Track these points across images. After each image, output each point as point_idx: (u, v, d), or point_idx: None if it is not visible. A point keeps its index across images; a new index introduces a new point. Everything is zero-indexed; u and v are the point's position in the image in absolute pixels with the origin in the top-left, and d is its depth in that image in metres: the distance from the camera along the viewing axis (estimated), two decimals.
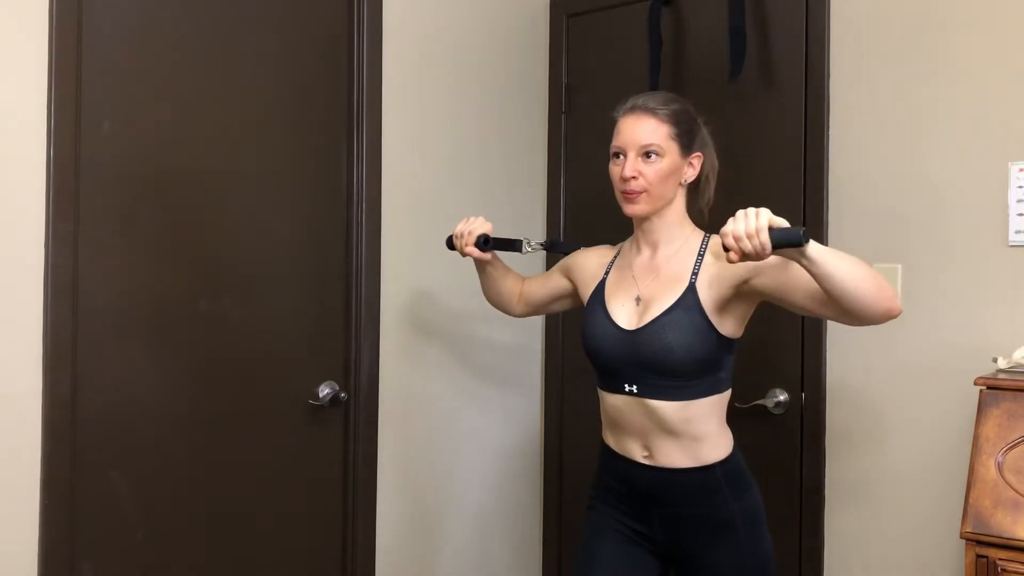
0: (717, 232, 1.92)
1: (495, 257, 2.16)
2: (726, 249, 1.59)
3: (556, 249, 2.34)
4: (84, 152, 1.92)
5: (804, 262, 1.59)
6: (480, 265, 2.17)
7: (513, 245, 2.18)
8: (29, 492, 1.85)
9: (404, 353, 2.59)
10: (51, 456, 1.86)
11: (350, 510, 2.46)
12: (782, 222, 1.57)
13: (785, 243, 1.56)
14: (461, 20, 2.76)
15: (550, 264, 2.87)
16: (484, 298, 2.28)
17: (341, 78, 2.45)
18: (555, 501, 3.05)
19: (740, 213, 1.58)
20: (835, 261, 1.59)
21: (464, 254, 2.10)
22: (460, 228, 2.10)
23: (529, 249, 2.20)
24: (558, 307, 2.24)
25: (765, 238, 1.54)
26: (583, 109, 3.02)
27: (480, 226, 2.08)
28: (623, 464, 1.92)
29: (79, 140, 1.91)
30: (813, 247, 1.58)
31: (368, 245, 2.46)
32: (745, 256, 1.57)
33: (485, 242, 2.08)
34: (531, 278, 2.25)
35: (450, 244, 2.16)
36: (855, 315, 1.65)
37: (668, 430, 1.85)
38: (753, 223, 1.55)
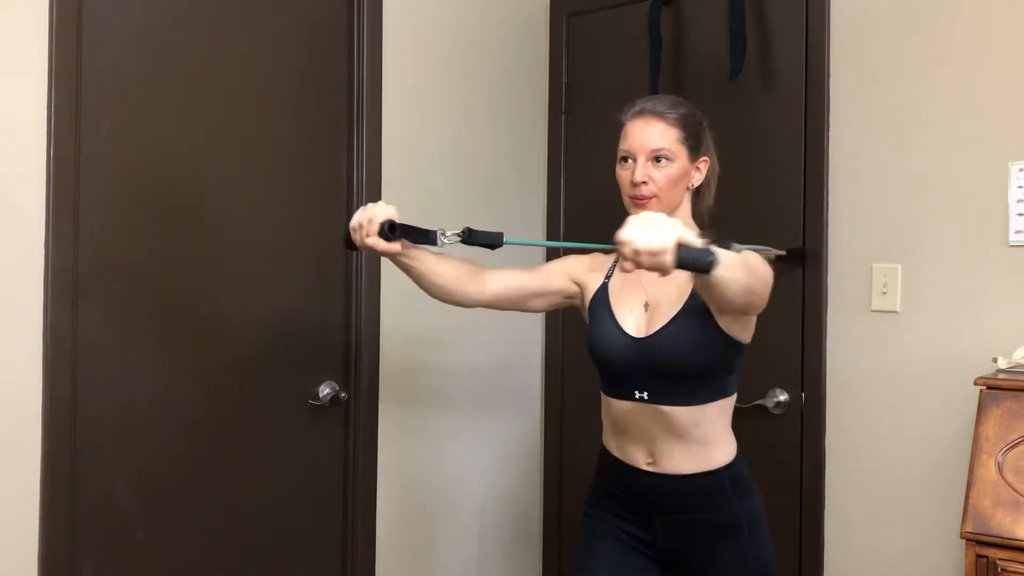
0: (718, 232, 1.94)
1: (406, 245, 1.76)
2: (624, 257, 1.41)
3: (475, 241, 1.83)
4: (84, 152, 1.92)
5: (699, 278, 1.51)
6: (393, 259, 1.79)
7: (427, 236, 1.76)
8: (29, 492, 1.85)
9: (404, 353, 2.58)
10: (51, 456, 1.86)
11: (350, 510, 2.46)
12: (691, 238, 1.41)
13: (691, 267, 1.40)
14: (461, 20, 2.76)
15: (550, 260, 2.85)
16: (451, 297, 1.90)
17: (341, 77, 2.44)
18: (555, 502, 3.05)
19: (643, 219, 1.41)
20: (725, 275, 1.48)
21: (365, 248, 1.73)
22: (357, 218, 1.73)
23: (445, 241, 1.77)
24: (538, 305, 2.01)
25: (670, 260, 1.38)
26: (583, 109, 3.02)
27: (382, 211, 1.71)
28: (625, 470, 1.90)
29: (79, 140, 1.91)
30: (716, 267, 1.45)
31: None
32: (640, 268, 1.42)
33: (391, 229, 1.70)
34: (509, 268, 1.95)
35: (349, 242, 1.77)
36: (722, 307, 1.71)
37: (677, 435, 1.83)
38: (658, 241, 1.38)
